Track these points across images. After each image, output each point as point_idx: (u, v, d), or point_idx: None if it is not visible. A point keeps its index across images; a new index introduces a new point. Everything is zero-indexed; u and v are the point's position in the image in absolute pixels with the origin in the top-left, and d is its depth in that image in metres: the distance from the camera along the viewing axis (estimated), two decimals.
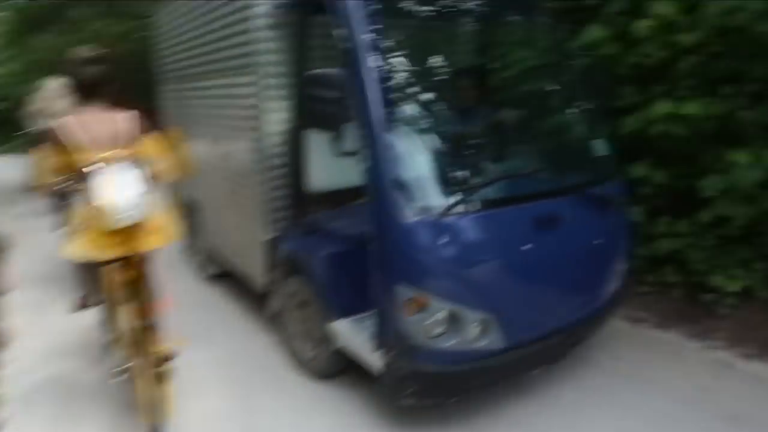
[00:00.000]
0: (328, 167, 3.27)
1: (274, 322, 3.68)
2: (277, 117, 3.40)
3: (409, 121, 2.69)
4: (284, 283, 3.45)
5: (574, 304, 2.87)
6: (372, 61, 2.56)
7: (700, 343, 3.42)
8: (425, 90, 2.93)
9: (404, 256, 2.48)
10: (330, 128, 2.79)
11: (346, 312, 2.99)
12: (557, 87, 3.59)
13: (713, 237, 3.57)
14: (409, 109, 2.74)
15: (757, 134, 3.20)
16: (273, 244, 3.50)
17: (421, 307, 2.46)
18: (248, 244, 3.82)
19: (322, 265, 3.05)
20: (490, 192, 2.67)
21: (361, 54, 2.57)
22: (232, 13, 3.58)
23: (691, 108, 3.38)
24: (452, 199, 2.51)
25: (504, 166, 3.06)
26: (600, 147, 3.20)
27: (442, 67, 3.50)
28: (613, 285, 3.07)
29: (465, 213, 2.52)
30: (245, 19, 3.41)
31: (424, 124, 2.75)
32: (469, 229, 2.55)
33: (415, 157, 2.58)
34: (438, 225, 2.45)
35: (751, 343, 3.27)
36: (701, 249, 3.60)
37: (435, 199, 2.51)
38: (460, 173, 2.68)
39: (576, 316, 2.86)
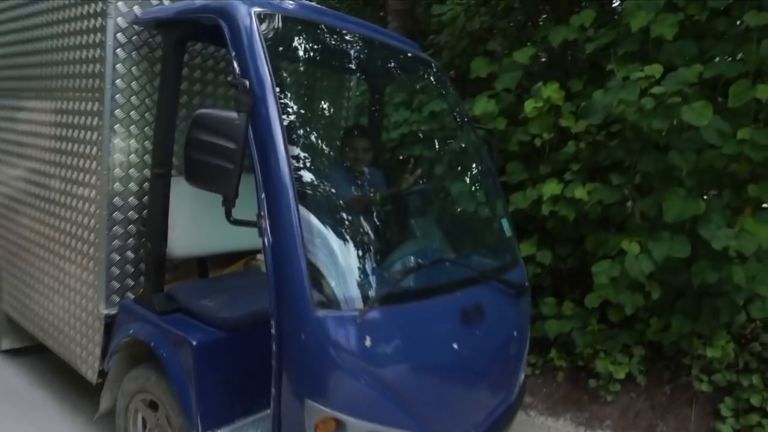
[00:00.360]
0: (199, 227, 2.69)
1: (106, 422, 2.81)
2: (128, 159, 2.72)
3: (327, 195, 2.19)
4: (126, 375, 2.65)
5: (495, 403, 2.55)
6: (281, 112, 2.04)
7: None
8: (338, 157, 2.48)
9: (317, 364, 1.92)
10: (213, 184, 2.10)
11: (216, 422, 2.31)
12: (463, 161, 3.38)
13: (597, 321, 3.58)
14: (328, 178, 2.24)
15: (644, 224, 3.28)
16: (112, 322, 2.70)
17: (336, 429, 1.93)
18: (73, 318, 2.94)
19: (188, 356, 2.32)
20: (416, 281, 2.26)
21: (268, 99, 2.03)
22: (81, 18, 2.78)
23: (578, 192, 3.40)
24: (379, 291, 2.07)
25: (427, 251, 2.66)
26: (507, 229, 3.02)
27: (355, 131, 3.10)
28: (522, 375, 2.84)
29: (392, 307, 2.07)
30: (98, 30, 2.66)
31: (342, 197, 2.27)
32: (397, 328, 2.09)
33: (334, 238, 2.09)
34: (361, 322, 1.95)
35: None
36: (587, 333, 3.58)
37: (358, 289, 2.04)
38: (386, 260, 2.24)
39: (496, 416, 2.53)
